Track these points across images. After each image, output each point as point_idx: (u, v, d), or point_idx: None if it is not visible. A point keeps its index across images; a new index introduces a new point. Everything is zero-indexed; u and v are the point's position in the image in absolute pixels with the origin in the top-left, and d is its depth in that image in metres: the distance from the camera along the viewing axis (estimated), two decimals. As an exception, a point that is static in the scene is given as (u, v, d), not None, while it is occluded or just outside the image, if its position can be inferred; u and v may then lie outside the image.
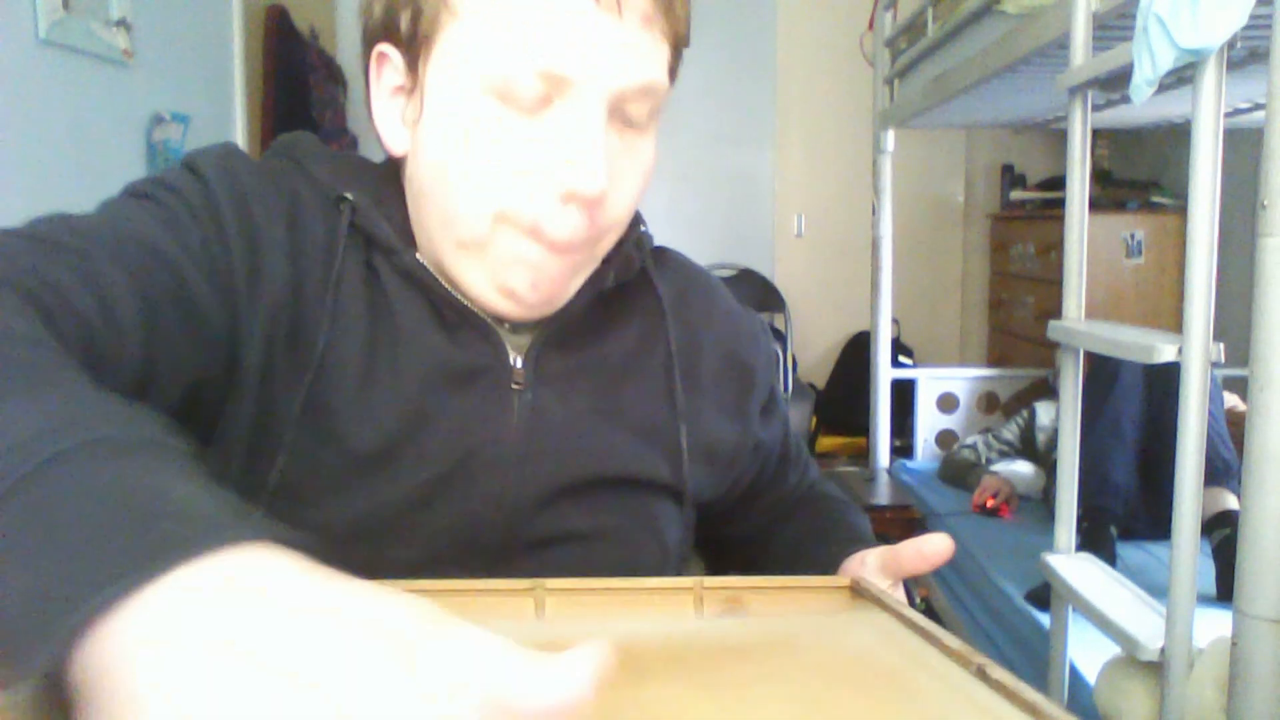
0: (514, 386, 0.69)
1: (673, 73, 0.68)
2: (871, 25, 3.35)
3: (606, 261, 0.72)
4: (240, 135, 2.95)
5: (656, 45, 0.63)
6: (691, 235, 4.14)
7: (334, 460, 0.65)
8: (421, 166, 0.66)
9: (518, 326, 0.71)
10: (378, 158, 0.73)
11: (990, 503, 2.62)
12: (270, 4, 3.38)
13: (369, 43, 0.68)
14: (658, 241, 0.80)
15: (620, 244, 0.73)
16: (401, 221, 0.69)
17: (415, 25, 0.63)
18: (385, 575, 0.60)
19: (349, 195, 0.67)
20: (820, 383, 4.24)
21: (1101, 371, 2.32)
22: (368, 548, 0.65)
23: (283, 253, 0.64)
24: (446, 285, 0.68)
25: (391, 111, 0.67)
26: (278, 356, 0.63)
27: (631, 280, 0.75)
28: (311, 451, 0.64)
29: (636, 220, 0.77)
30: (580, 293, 0.71)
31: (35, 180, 2.00)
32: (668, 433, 0.74)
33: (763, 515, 0.87)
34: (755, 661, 0.53)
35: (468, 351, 0.68)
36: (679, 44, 0.67)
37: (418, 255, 0.69)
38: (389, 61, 0.66)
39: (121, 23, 2.26)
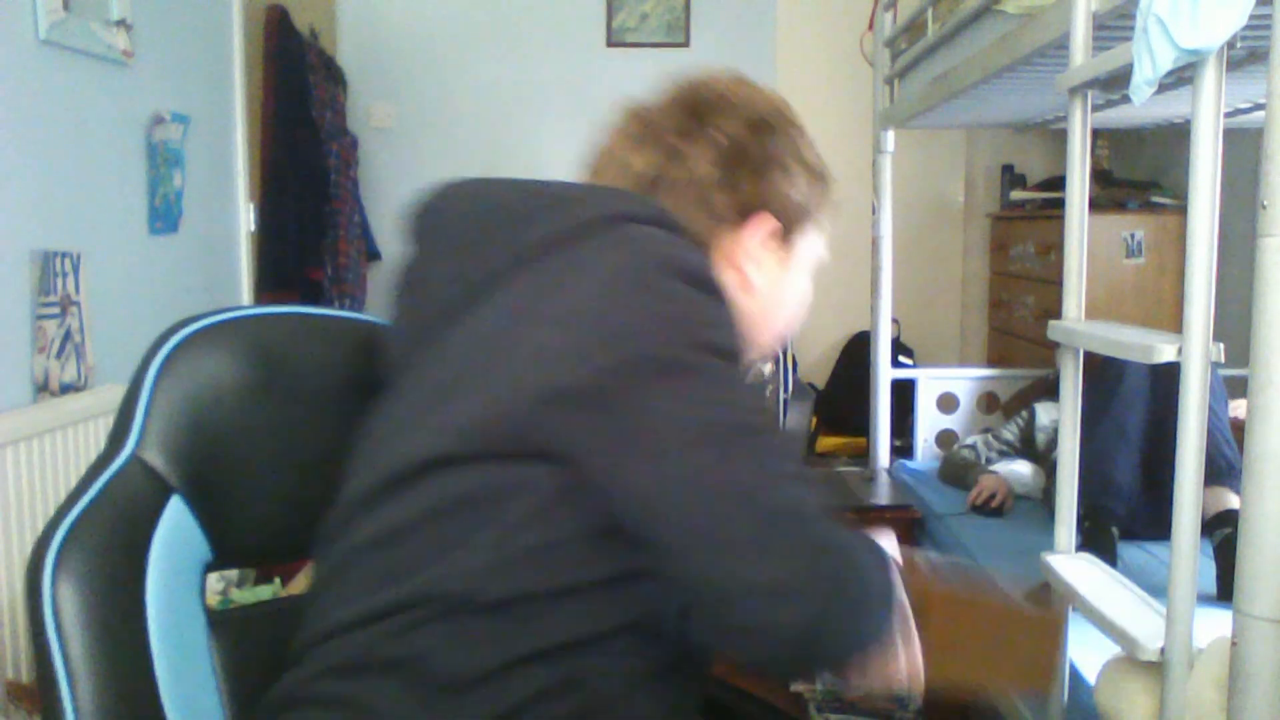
0: None
1: None
2: (871, 25, 3.35)
3: None
4: (240, 135, 2.96)
5: None
6: (691, 235, 4.11)
7: None
8: (769, 298, 0.96)
9: None
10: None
11: (993, 504, 2.61)
12: (270, 4, 3.39)
13: (752, 207, 0.93)
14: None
15: None
16: None
17: (798, 224, 0.97)
18: None
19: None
20: (820, 383, 4.24)
21: (1107, 372, 2.31)
22: None
23: None
24: None
25: (762, 255, 0.95)
26: None
27: None
28: None
29: None
30: None
31: (35, 180, 2.00)
32: None
33: None
34: None
35: None
36: None
37: None
38: (767, 227, 0.94)
39: (121, 23, 2.26)
